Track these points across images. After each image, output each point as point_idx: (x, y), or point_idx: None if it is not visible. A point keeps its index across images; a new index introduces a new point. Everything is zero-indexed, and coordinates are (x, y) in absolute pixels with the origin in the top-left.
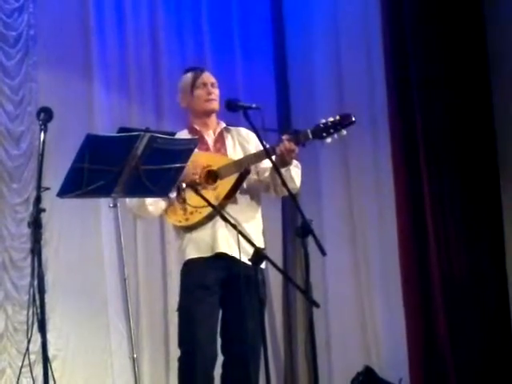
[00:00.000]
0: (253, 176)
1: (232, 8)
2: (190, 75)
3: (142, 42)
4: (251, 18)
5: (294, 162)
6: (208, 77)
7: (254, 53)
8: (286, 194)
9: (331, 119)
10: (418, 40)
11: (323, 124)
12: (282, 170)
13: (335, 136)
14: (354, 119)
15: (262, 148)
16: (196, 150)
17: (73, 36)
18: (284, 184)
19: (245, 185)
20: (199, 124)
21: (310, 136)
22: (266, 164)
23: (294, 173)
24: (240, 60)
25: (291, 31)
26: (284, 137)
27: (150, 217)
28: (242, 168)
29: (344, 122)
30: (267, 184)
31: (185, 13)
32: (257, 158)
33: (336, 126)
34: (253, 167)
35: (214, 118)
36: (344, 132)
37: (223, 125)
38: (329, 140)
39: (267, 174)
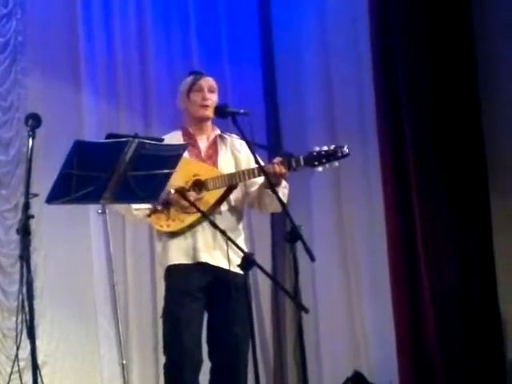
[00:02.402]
0: (240, 189)
1: (219, 12)
2: (190, 78)
3: (130, 47)
4: (239, 22)
5: (283, 183)
6: (206, 81)
7: (242, 57)
8: (269, 211)
9: (325, 148)
10: (406, 46)
11: (317, 152)
12: (269, 190)
13: (327, 166)
14: (347, 151)
15: (252, 158)
16: (187, 155)
17: (61, 42)
18: (276, 195)
19: (231, 197)
20: (194, 128)
21: (302, 163)
22: (255, 178)
23: (281, 194)
24: (228, 64)
25: (279, 34)
26: (276, 160)
27: (135, 218)
28: (231, 182)
29: (337, 153)
30: (253, 199)
31: (172, 18)
32: (247, 175)
33: (329, 157)
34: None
35: (209, 123)
36: (336, 164)
37: (218, 131)
38: (320, 169)
39: (255, 187)
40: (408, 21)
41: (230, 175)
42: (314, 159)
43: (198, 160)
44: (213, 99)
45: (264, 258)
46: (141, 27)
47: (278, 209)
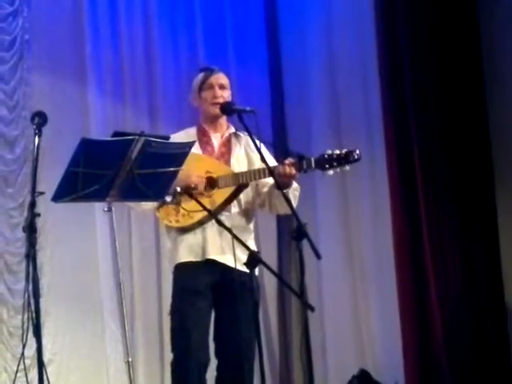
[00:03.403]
0: (251, 189)
1: (225, 10)
2: (201, 75)
3: (136, 45)
4: (245, 20)
5: (294, 184)
6: (217, 78)
7: (249, 55)
8: (280, 212)
9: (337, 152)
10: (413, 49)
11: (328, 155)
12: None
13: (337, 170)
14: (359, 156)
15: (265, 157)
16: (200, 152)
17: (67, 40)
18: (284, 195)
19: (241, 196)
20: (208, 125)
21: (313, 165)
22: (267, 179)
23: (292, 195)
24: (234, 63)
25: (286, 33)
26: (287, 161)
27: (143, 210)
28: (241, 181)
29: (349, 158)
30: (263, 200)
31: (178, 16)
32: (258, 174)
33: (340, 161)
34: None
35: (223, 120)
36: (347, 167)
37: (232, 129)
38: (331, 172)
39: (266, 189)
40: (413, 12)
41: (239, 174)
42: (325, 162)
43: (210, 157)
44: (224, 96)
45: (270, 257)
46: (147, 25)
47: (288, 211)
